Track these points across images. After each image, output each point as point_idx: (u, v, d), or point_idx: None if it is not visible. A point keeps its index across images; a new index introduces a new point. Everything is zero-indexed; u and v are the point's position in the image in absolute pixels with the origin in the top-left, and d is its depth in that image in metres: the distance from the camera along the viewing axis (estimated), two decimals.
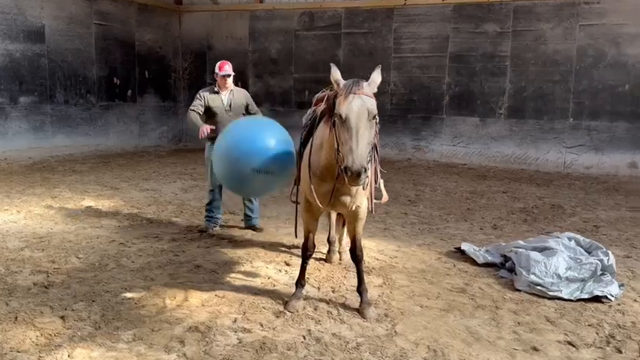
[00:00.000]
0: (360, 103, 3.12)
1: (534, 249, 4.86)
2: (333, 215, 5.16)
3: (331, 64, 3.50)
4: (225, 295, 4.22)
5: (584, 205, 8.21)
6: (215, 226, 6.07)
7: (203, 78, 14.77)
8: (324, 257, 5.20)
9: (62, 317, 3.72)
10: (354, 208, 3.84)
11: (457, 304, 4.24)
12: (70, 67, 11.85)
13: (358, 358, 3.33)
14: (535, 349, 3.54)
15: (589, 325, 3.90)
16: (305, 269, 4.16)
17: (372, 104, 3.17)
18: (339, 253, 5.15)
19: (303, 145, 3.98)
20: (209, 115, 5.85)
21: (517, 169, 11.47)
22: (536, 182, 10.21)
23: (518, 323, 3.92)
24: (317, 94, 4.34)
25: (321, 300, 4.20)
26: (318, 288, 4.45)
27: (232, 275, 4.68)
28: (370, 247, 5.55)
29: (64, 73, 11.71)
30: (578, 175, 10.90)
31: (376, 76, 3.32)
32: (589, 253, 4.75)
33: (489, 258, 5.11)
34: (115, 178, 9.43)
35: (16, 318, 3.68)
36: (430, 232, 6.45)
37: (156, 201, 7.65)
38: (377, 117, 3.22)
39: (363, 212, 3.94)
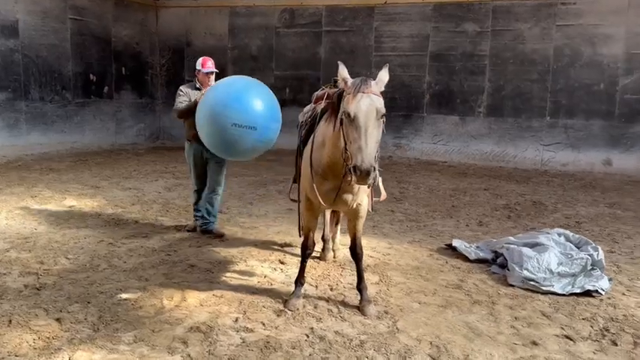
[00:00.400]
0: (368, 102, 3.12)
1: (525, 245, 4.95)
2: (327, 213, 5.16)
3: (339, 62, 3.49)
4: (224, 294, 4.18)
5: (564, 202, 8.40)
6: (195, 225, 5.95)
7: (181, 75, 14.59)
8: (319, 255, 5.18)
9: (58, 320, 3.63)
10: (354, 206, 3.84)
11: (454, 300, 4.28)
12: (45, 62, 11.54)
13: (364, 356, 3.34)
14: (534, 343, 3.60)
15: (583, 319, 3.99)
16: (304, 267, 4.15)
17: (380, 103, 3.17)
18: (334, 251, 5.15)
19: (304, 143, 3.96)
20: (192, 113, 5.64)
21: (496, 167, 11.66)
22: (516, 179, 10.40)
23: (515, 318, 3.99)
24: (316, 92, 4.31)
25: (319, 298, 4.20)
26: (316, 286, 4.44)
27: (228, 274, 4.64)
28: (362, 245, 5.54)
29: (38, 69, 11.40)
30: (556, 173, 11.15)
31: (384, 75, 3.32)
32: (579, 248, 4.86)
33: (481, 254, 5.18)
34: (95, 176, 9.24)
35: (10, 321, 3.57)
36: (418, 229, 6.51)
37: (139, 200, 7.51)
38: (384, 116, 3.23)
39: (363, 210, 3.95)
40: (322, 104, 4.01)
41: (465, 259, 5.26)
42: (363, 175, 2.98)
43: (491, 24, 11.56)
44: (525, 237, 5.17)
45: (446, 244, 5.69)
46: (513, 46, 11.43)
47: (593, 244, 4.85)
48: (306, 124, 4.05)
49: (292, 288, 4.34)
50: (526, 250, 4.76)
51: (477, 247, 5.38)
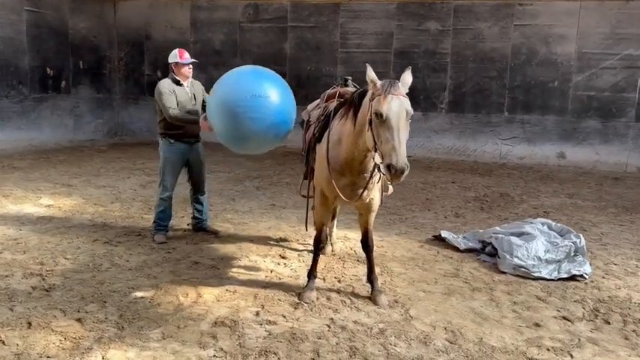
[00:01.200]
0: (399, 103, 3.28)
1: (512, 234, 5.28)
2: None
3: (366, 63, 3.62)
4: (236, 289, 4.25)
5: (528, 193, 8.89)
6: (165, 235, 5.44)
7: (140, 69, 14.29)
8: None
9: (79, 320, 3.61)
10: (368, 200, 4.01)
11: (455, 287, 4.54)
12: (1, 56, 11.02)
13: (387, 343, 3.52)
14: (537, 325, 3.90)
15: (575, 301, 4.34)
16: (317, 261, 4.28)
17: (408, 104, 3.33)
18: (332, 244, 5.30)
19: (318, 140, 4.07)
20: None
21: (458, 160, 12.13)
22: (478, 172, 10.88)
23: (514, 302, 4.28)
24: (327, 91, 4.42)
25: (330, 290, 4.34)
26: (324, 279, 4.57)
27: (234, 270, 4.70)
28: (355, 238, 5.73)
29: None
30: (514, 165, 11.73)
31: (408, 77, 3.47)
32: (562, 236, 5.23)
33: (470, 244, 5.47)
34: (63, 174, 8.96)
35: (30, 323, 3.52)
36: (402, 222, 6.75)
37: (118, 198, 7.39)
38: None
39: (376, 204, 4.12)
40: (334, 102, 4.14)
41: (455, 249, 5.53)
42: (398, 174, 3.14)
43: (453, 23, 11.98)
44: (511, 227, 5.51)
45: (433, 236, 5.96)
46: (474, 44, 11.90)
47: (575, 232, 5.24)
48: (319, 121, 4.16)
49: (300, 281, 4.49)
50: (515, 240, 5.08)
51: (464, 237, 5.67)
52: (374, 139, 3.30)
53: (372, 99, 3.36)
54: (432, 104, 12.23)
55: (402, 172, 3.13)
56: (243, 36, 13.41)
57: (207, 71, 13.72)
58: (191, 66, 5.30)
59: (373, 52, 12.50)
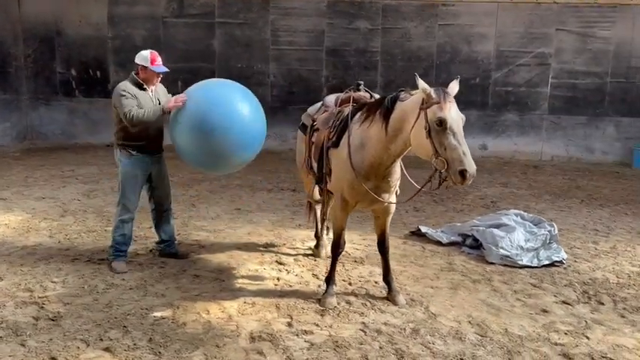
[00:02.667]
0: (457, 110, 3.37)
1: (491, 227, 5.61)
2: (319, 211, 5.29)
3: (415, 73, 3.64)
4: (254, 301, 4.14)
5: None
6: (125, 262, 4.74)
7: (51, 67, 13.15)
8: (312, 252, 5.30)
9: (107, 349, 3.33)
10: (387, 204, 4.08)
11: (457, 281, 4.76)
12: None
13: (425, 342, 3.63)
14: (545, 310, 4.21)
15: (565, 286, 4.73)
16: (335, 266, 4.27)
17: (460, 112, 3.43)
18: (325, 247, 5.29)
19: (335, 145, 4.04)
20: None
21: None
22: (413, 166, 11.32)
23: (515, 291, 4.58)
24: (340, 95, 4.39)
25: (345, 294, 4.37)
26: (335, 283, 4.57)
27: (240, 281, 4.56)
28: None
29: None
30: None
31: (455, 87, 3.57)
32: (535, 225, 5.65)
33: (452, 238, 5.74)
34: None
35: (55, 359, 3.18)
36: (369, 220, 6.87)
37: (66, 210, 6.80)
38: None
39: (393, 207, 4.20)
40: (349, 107, 4.15)
41: (437, 243, 5.78)
42: (469, 178, 3.23)
43: (382, 22, 12.34)
44: (488, 219, 5.85)
45: (411, 232, 6.17)
46: (402, 43, 12.35)
47: (547, 221, 5.69)
48: (334, 126, 4.13)
49: (311, 287, 4.50)
50: (497, 231, 5.42)
51: (442, 231, 5.94)
52: (434, 147, 3.34)
53: (424, 107, 3.39)
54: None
55: (473, 176, 3.24)
56: (167, 32, 12.81)
57: (128, 69, 12.96)
58: (161, 76, 4.69)
59: (305, 49, 12.54)
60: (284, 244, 5.62)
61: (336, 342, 3.56)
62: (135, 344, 3.40)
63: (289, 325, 3.78)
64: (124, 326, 3.62)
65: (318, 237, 5.28)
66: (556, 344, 3.67)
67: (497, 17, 12.10)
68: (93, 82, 13.16)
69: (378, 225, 4.30)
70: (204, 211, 7.02)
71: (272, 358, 3.32)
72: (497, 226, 5.58)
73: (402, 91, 3.74)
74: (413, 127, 3.46)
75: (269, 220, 6.61)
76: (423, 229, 6.00)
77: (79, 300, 4.00)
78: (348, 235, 5.85)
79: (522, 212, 5.98)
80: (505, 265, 5.15)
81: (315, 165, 4.40)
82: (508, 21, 12.11)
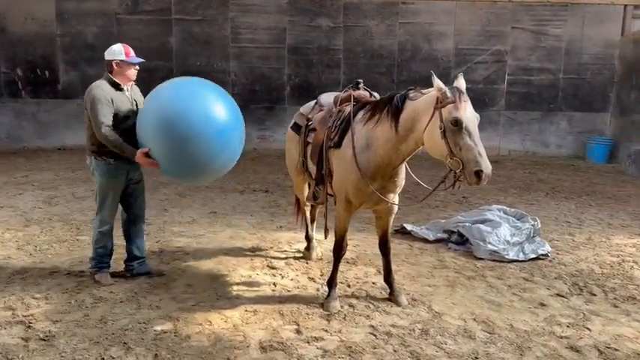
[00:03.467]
0: (472, 109, 3.32)
1: (475, 222, 5.67)
2: (308, 212, 5.18)
3: (431, 71, 3.57)
4: (255, 309, 3.98)
5: (436, 180, 9.54)
6: (109, 273, 4.42)
7: None
8: (302, 255, 5.18)
9: None
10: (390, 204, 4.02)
11: (452, 279, 4.77)
12: None
13: (439, 342, 3.59)
14: (542, 304, 4.27)
15: (555, 279, 4.83)
16: (338, 269, 4.18)
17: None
18: (315, 249, 5.19)
19: (338, 145, 3.94)
20: (113, 120, 4.07)
21: None
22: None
23: (509, 286, 4.63)
24: (340, 95, 4.26)
25: (347, 296, 4.28)
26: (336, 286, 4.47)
27: (235, 288, 4.38)
28: (324, 241, 5.64)
29: None
30: None
31: (462, 82, 3.51)
32: (519, 220, 5.75)
33: (438, 235, 5.76)
34: None
35: None
36: (353, 220, 6.80)
37: (30, 220, 6.37)
38: None
39: (396, 207, 4.15)
40: (349, 106, 4.05)
41: (423, 240, 5.78)
42: (485, 178, 3.19)
43: (343, 20, 12.33)
44: (472, 215, 5.91)
45: (395, 229, 6.14)
46: (363, 41, 12.39)
47: (530, 216, 5.80)
48: (335, 126, 4.02)
49: (310, 291, 4.40)
50: (483, 227, 5.48)
51: (427, 228, 5.96)
52: (449, 147, 3.28)
53: (439, 107, 3.33)
54: None
55: (488, 176, 3.20)
56: (120, 29, 12.33)
57: (80, 68, 12.47)
58: (138, 67, 4.27)
59: (267, 47, 12.36)
60: (271, 248, 5.48)
61: (349, 347, 3.46)
62: None
63: (298, 332, 3.65)
64: (124, 342, 3.39)
65: (308, 239, 5.16)
66: (561, 337, 3.72)
67: (455, 16, 12.35)
68: (41, 82, 12.50)
69: (380, 225, 4.24)
70: (177, 215, 6.75)
71: None
72: (483, 222, 5.64)
73: (412, 89, 3.68)
74: (427, 126, 3.40)
75: (248, 223, 6.44)
76: (408, 227, 5.99)
77: (68, 317, 3.72)
78: (330, 237, 5.79)
79: (505, 207, 6.08)
80: (494, 260, 5.21)
81: (312, 166, 4.28)
82: (466, 19, 12.37)
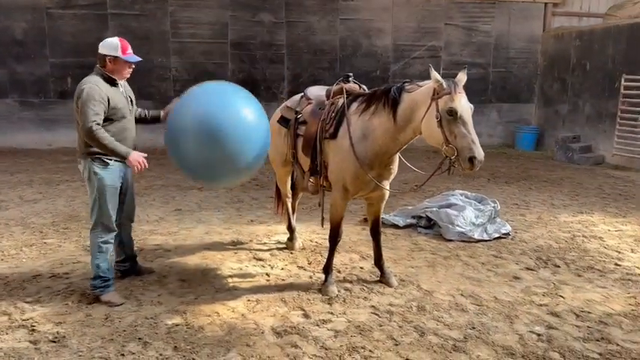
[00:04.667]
0: (466, 100, 3.56)
1: (441, 207, 6.03)
2: (289, 203, 5.29)
3: (429, 64, 3.76)
4: (257, 298, 4.08)
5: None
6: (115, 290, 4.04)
7: None
8: (285, 245, 5.29)
9: None
10: (384, 191, 4.24)
11: (431, 259, 5.08)
12: None
13: (436, 317, 3.86)
14: (516, 277, 4.68)
15: (520, 254, 5.27)
16: (334, 255, 4.34)
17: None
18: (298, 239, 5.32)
19: (333, 136, 4.08)
20: (110, 119, 3.85)
21: None
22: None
23: (482, 264, 5.01)
24: (332, 88, 4.39)
25: (339, 281, 4.45)
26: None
27: (230, 280, 4.44)
28: (302, 231, 5.77)
29: None
30: None
31: (464, 77, 3.72)
32: (479, 202, 6.17)
33: (407, 220, 6.07)
34: None
35: None
36: (313, 210, 6.98)
37: (18, 222, 6.04)
38: None
39: (387, 194, 4.37)
40: (341, 99, 4.21)
41: (393, 226, 6.07)
42: (478, 165, 3.44)
43: (285, 15, 12.42)
44: (438, 200, 6.26)
45: (365, 218, 6.37)
46: (306, 36, 12.54)
47: (491, 199, 6.24)
48: (329, 118, 4.16)
49: (304, 279, 4.57)
50: (450, 211, 5.85)
51: (395, 215, 6.25)
52: (445, 136, 3.52)
53: (436, 98, 3.55)
54: (273, 94, 12.53)
55: (481, 162, 3.46)
56: (52, 24, 11.71)
57: (8, 65, 11.76)
58: (134, 66, 4.01)
59: (209, 42, 12.22)
60: (250, 241, 5.54)
61: (358, 326, 3.65)
62: (161, 355, 3.20)
63: (306, 316, 3.79)
64: (139, 338, 3.38)
65: (291, 229, 5.27)
66: (540, 305, 4.11)
67: (392, 13, 12.79)
68: None
69: (372, 212, 4.45)
70: (142, 214, 6.59)
71: (308, 349, 3.33)
72: (449, 206, 6.01)
73: (407, 82, 3.90)
74: (424, 116, 3.62)
75: (218, 219, 6.44)
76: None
77: (70, 317, 3.63)
78: (306, 227, 5.97)
79: (466, 192, 6.49)
80: (462, 241, 5.58)
81: (303, 158, 4.41)
82: (402, 16, 12.86)
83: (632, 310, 4.06)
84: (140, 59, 4.04)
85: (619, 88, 10.56)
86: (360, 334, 3.56)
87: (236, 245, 5.39)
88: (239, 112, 3.65)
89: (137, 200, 7.29)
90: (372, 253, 5.10)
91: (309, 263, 4.90)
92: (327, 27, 12.62)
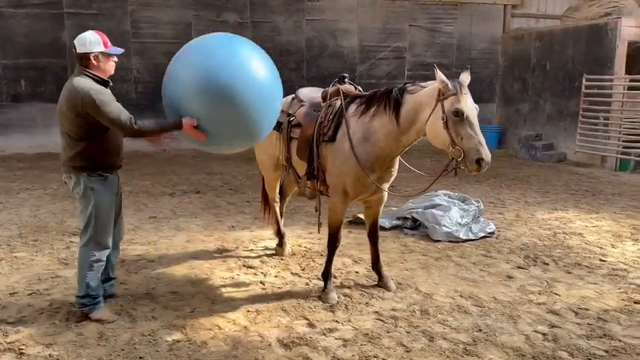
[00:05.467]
0: (472, 100, 3.51)
1: (427, 208, 6.03)
2: (278, 208, 5.15)
3: (434, 65, 3.69)
4: (257, 308, 3.92)
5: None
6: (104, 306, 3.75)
7: None
8: (275, 251, 5.14)
9: None
10: (383, 193, 4.17)
11: (423, 261, 5.05)
12: None
13: (440, 320, 3.82)
14: (509, 277, 4.70)
15: (509, 253, 5.31)
16: (332, 261, 4.22)
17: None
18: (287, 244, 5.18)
19: (332, 139, 3.97)
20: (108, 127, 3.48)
21: None
22: None
23: (474, 263, 5.02)
24: (328, 90, 4.26)
25: (337, 287, 4.34)
26: (319, 279, 4.52)
27: (223, 290, 4.26)
28: (287, 236, 5.61)
29: None
30: None
31: (467, 77, 3.66)
32: (463, 202, 6.20)
33: (393, 222, 6.03)
34: None
35: None
36: (295, 213, 6.85)
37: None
38: None
39: (386, 196, 4.29)
40: (338, 100, 4.10)
41: (380, 228, 5.99)
42: (485, 166, 3.40)
43: (250, 15, 12.22)
44: (422, 201, 6.24)
45: (349, 220, 6.31)
46: (272, 37, 12.37)
47: (474, 199, 6.28)
48: (327, 120, 4.05)
49: (300, 285, 4.45)
50: (436, 212, 5.84)
51: (381, 217, 6.15)
52: (451, 137, 3.46)
53: (441, 99, 3.49)
54: None
55: (488, 164, 3.42)
56: (3, 24, 11.10)
57: None
58: (117, 59, 3.69)
59: (172, 42, 11.76)
60: (236, 248, 5.36)
61: (366, 334, 3.56)
62: None
63: (310, 325, 3.67)
64: (140, 357, 3.17)
65: (280, 235, 5.13)
66: (539, 304, 4.14)
67: (358, 14, 12.80)
68: None
69: (371, 215, 4.37)
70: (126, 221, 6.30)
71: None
72: (434, 207, 6.01)
73: (408, 83, 3.83)
74: (429, 118, 3.56)
75: (197, 226, 6.21)
76: (362, 216, 6.17)
77: (61, 338, 3.37)
78: (291, 231, 5.84)
79: (449, 192, 6.51)
80: (450, 241, 5.59)
81: (298, 162, 4.27)
82: (368, 17, 12.89)
83: (626, 305, 4.14)
84: (123, 50, 3.74)
85: (580, 88, 10.91)
86: (370, 342, 3.47)
87: (222, 253, 5.20)
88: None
89: None
90: (363, 256, 5.08)
91: (303, 269, 4.77)
92: (293, 27, 12.49)
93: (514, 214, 6.88)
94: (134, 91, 11.68)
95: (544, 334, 3.64)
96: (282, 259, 5.02)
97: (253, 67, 3.52)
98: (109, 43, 3.61)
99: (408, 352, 3.37)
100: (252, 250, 5.32)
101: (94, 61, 3.50)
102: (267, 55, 3.76)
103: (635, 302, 4.18)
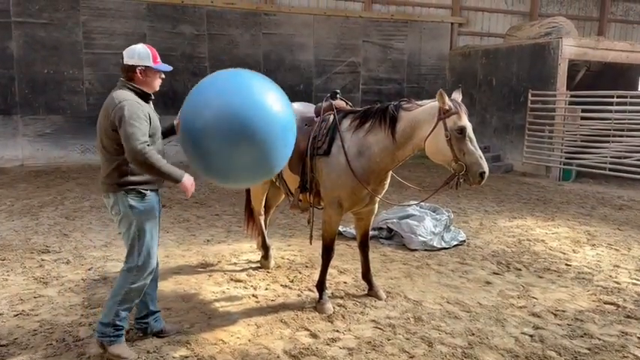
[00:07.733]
0: (468, 118, 3.73)
1: (401, 218, 6.23)
2: (262, 221, 5.18)
3: (441, 90, 3.78)
4: (256, 322, 3.94)
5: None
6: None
7: None
8: (260, 264, 5.16)
9: None
10: (375, 205, 4.31)
11: (405, 269, 5.22)
12: None
13: (435, 326, 3.98)
14: (488, 282, 4.95)
15: (482, 260, 5.58)
16: (327, 272, 4.30)
17: None
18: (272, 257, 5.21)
19: (326, 152, 4.07)
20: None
21: None
22: None
23: (452, 271, 5.25)
24: (321, 105, 4.36)
25: (330, 297, 4.42)
26: (312, 291, 4.58)
27: (217, 305, 4.24)
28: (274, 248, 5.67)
29: None
30: None
31: (458, 96, 3.87)
32: (434, 212, 6.45)
33: (370, 233, 6.16)
34: None
35: None
36: (268, 226, 6.87)
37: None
38: None
39: (377, 208, 4.44)
40: (331, 115, 4.21)
41: (354, 239, 6.13)
42: (485, 178, 3.62)
43: (207, 28, 12.16)
44: (396, 212, 6.43)
45: None
46: (229, 49, 12.36)
47: (445, 208, 6.54)
48: (321, 134, 4.14)
49: (293, 297, 4.49)
50: (411, 222, 6.05)
51: (353, 228, 6.33)
52: (454, 153, 3.65)
53: (443, 117, 3.68)
54: None
55: (487, 176, 3.64)
56: None
57: None
58: (164, 75, 3.57)
59: None
60: (219, 262, 5.34)
61: (369, 343, 3.66)
62: None
63: (313, 336, 3.73)
64: None
65: (265, 248, 5.15)
66: (520, 307, 4.39)
67: (313, 29, 13.02)
68: None
69: (362, 226, 4.49)
70: (83, 239, 6.12)
71: None
72: (408, 217, 6.21)
73: (404, 101, 4.00)
74: (429, 135, 3.74)
75: (171, 241, 6.13)
76: (340, 228, 6.30)
77: (64, 357, 3.27)
78: (273, 244, 5.86)
79: (421, 203, 6.73)
80: (425, 250, 5.81)
81: (291, 175, 4.34)
82: (323, 32, 13.14)
83: (597, 306, 4.47)
84: (171, 68, 3.64)
85: (526, 103, 11.58)
86: (374, 350, 3.58)
87: (206, 268, 5.16)
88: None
89: (71, 224, 6.83)
90: (347, 266, 5.22)
91: (292, 281, 4.82)
92: (250, 40, 12.54)
93: (477, 222, 7.22)
94: (85, 103, 11.32)
95: (531, 336, 3.88)
96: (268, 272, 5.05)
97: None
98: (159, 59, 3.49)
99: (411, 358, 3.50)
100: (235, 263, 5.31)
101: (139, 75, 3.39)
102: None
103: (604, 303, 4.52)
